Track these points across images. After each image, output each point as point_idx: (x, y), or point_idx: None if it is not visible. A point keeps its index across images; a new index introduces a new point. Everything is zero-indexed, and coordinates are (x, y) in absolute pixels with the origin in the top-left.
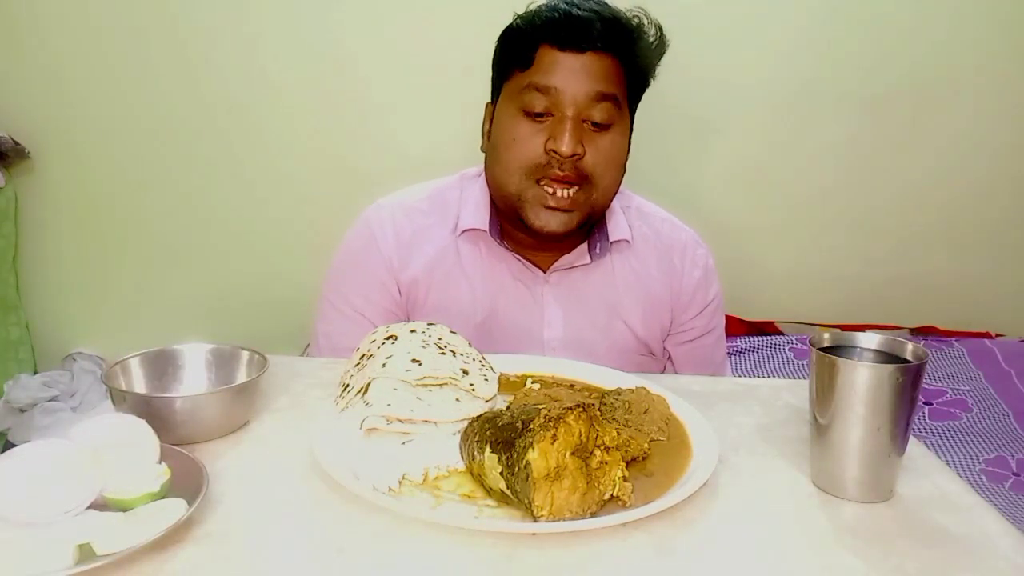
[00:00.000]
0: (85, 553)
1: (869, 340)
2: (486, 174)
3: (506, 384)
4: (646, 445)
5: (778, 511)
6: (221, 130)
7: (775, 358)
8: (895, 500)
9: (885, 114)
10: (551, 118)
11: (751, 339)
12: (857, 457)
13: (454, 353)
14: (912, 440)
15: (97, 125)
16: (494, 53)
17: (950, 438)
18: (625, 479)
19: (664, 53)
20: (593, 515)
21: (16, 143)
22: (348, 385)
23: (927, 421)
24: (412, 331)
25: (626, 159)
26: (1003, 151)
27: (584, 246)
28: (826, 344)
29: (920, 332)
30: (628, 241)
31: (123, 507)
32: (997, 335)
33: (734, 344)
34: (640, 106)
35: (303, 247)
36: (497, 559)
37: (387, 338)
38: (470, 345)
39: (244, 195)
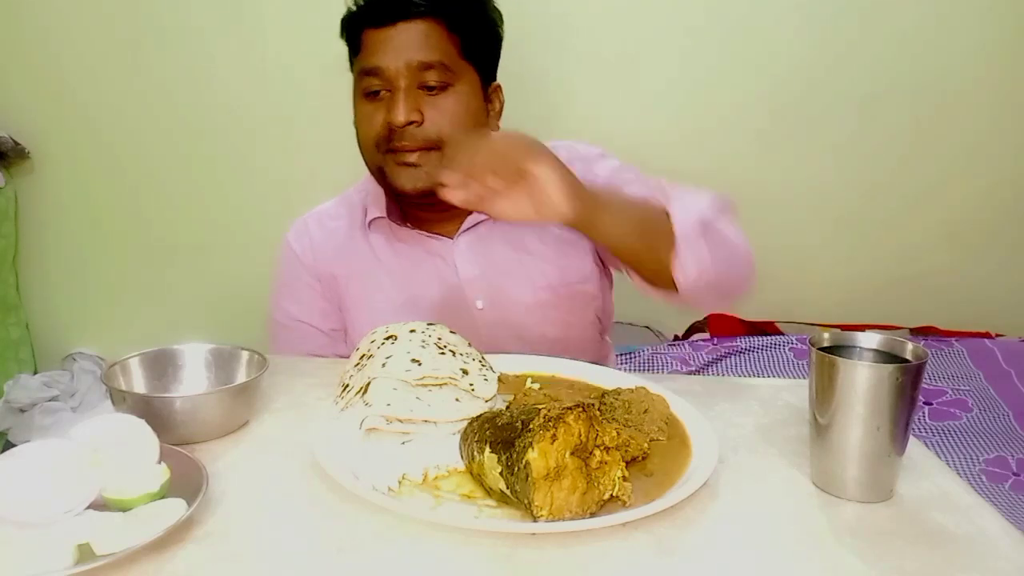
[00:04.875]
0: (85, 553)
1: (869, 340)
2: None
3: (506, 384)
4: (646, 445)
5: (778, 511)
6: (221, 130)
7: (775, 358)
8: (895, 500)
9: (885, 114)
10: (388, 94)
11: (751, 339)
12: (857, 457)
13: (454, 353)
14: (912, 440)
15: (97, 125)
16: None
17: (950, 438)
18: (625, 479)
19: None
20: (593, 515)
21: (16, 143)
22: (348, 385)
23: (927, 421)
24: (412, 331)
25: (486, 112)
26: (1003, 151)
27: None
28: (826, 344)
29: (920, 332)
30: None
31: (123, 507)
32: (997, 335)
33: (734, 344)
34: (640, 106)
35: None
36: (497, 559)
37: (387, 338)
38: (470, 345)
39: (244, 195)
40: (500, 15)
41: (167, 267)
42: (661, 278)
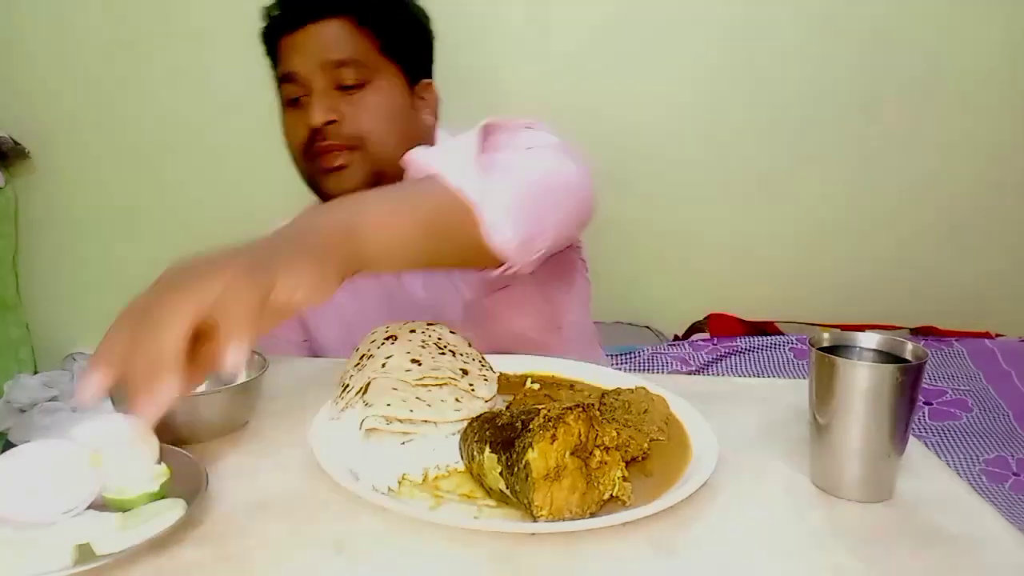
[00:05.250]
0: (85, 553)
1: (869, 340)
2: None
3: (506, 384)
4: (646, 445)
5: (778, 511)
6: (222, 130)
7: (775, 358)
8: (895, 500)
9: (885, 114)
10: (307, 99)
11: (751, 339)
12: (857, 457)
13: (454, 353)
14: (912, 440)
15: (97, 125)
16: None
17: (950, 438)
18: (625, 479)
19: None
20: (593, 515)
21: (16, 143)
22: (348, 385)
23: (927, 421)
24: (412, 331)
25: (412, 110)
26: (1003, 151)
27: None
28: (826, 344)
29: (920, 332)
30: None
31: (123, 507)
32: (997, 335)
33: (734, 344)
34: (639, 106)
35: None
36: (497, 559)
37: (387, 338)
38: (470, 345)
39: (245, 195)
40: (423, 12)
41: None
42: (479, 257)
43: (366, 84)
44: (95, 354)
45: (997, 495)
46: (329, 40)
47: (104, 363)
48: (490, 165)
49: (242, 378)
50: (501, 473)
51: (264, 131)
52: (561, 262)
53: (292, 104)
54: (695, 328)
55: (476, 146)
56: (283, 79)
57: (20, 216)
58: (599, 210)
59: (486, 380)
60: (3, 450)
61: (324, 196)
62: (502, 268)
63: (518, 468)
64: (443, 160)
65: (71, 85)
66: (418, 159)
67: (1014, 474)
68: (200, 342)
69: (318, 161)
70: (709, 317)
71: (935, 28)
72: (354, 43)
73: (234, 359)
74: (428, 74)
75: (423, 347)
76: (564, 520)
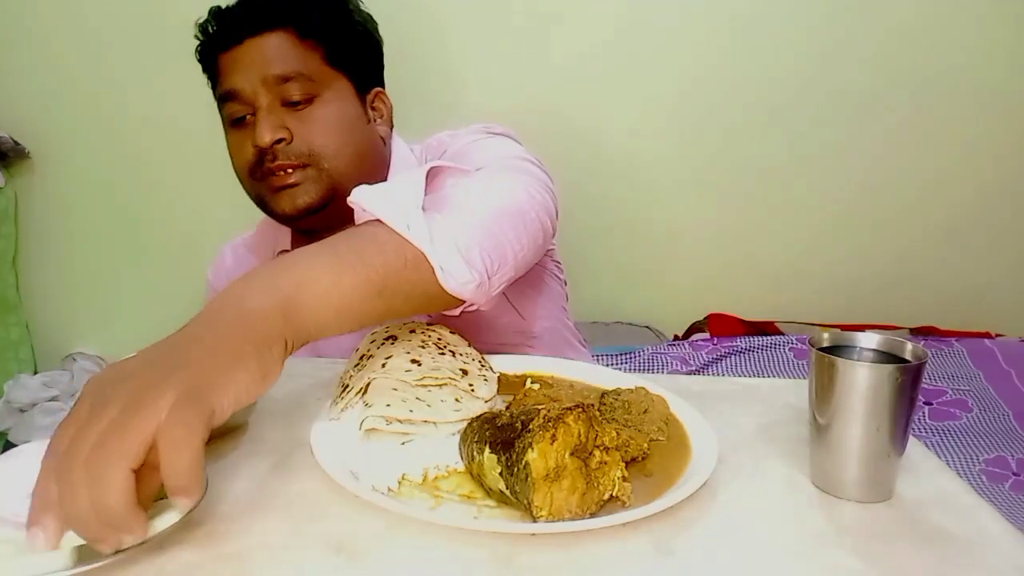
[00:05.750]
0: (85, 553)
1: (869, 340)
2: None
3: (506, 384)
4: (646, 445)
5: (778, 511)
6: (221, 131)
7: (775, 358)
8: (895, 500)
9: (885, 114)
10: (252, 117)
11: (751, 339)
12: (857, 457)
13: (453, 353)
14: (912, 440)
15: (97, 125)
16: None
17: (950, 438)
18: (625, 479)
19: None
20: (593, 515)
21: (16, 143)
22: (348, 385)
23: (927, 421)
24: (412, 331)
25: (365, 120)
26: (1003, 151)
27: None
28: (826, 344)
29: (920, 332)
30: None
31: None
32: (997, 335)
33: (734, 344)
34: (638, 106)
35: None
36: (496, 559)
37: (387, 338)
38: (469, 345)
39: (243, 196)
40: (370, 18)
41: (167, 267)
42: (437, 301)
43: (314, 98)
44: (34, 506)
45: (997, 495)
46: (271, 54)
47: (50, 515)
48: (439, 202)
49: None
50: (501, 473)
51: None
52: (533, 276)
53: (236, 124)
54: (695, 328)
55: (422, 184)
56: (224, 98)
57: (20, 216)
58: (600, 210)
59: (486, 380)
60: (3, 450)
61: (275, 215)
62: (463, 307)
63: (518, 468)
64: (386, 203)
65: (71, 85)
66: (360, 201)
67: (1014, 474)
68: (141, 473)
69: (268, 180)
70: (709, 317)
71: (936, 28)
72: (298, 56)
73: (183, 506)
74: (379, 82)
75: (423, 347)
76: (564, 520)
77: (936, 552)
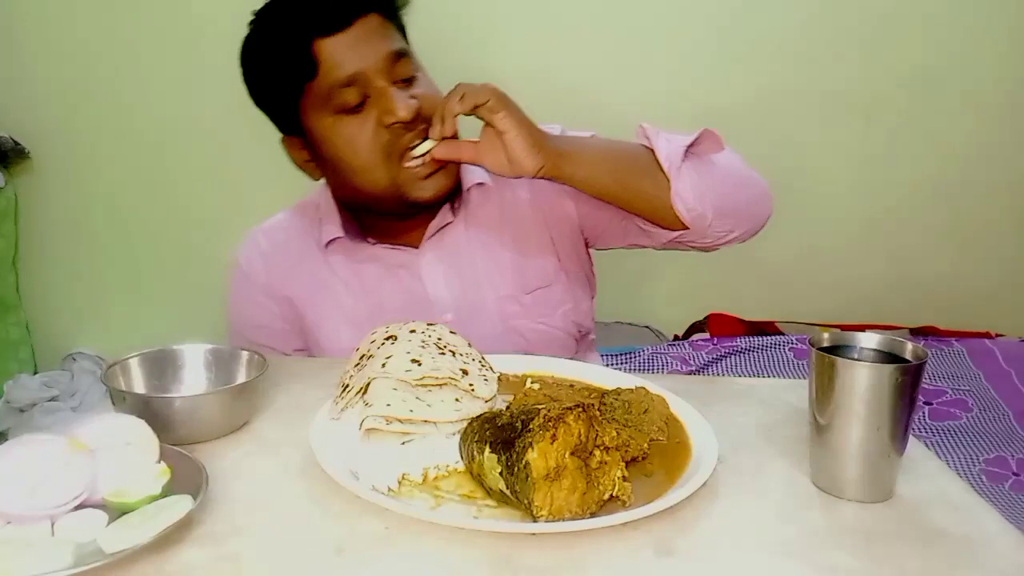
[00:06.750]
0: (85, 553)
1: (869, 340)
2: (338, 194)
3: (506, 384)
4: (646, 445)
5: (778, 511)
6: (221, 130)
7: (775, 358)
8: (895, 500)
9: (887, 115)
10: (369, 100)
11: (751, 339)
12: (857, 457)
13: (454, 353)
14: (912, 440)
15: (97, 125)
16: (254, 93)
17: (950, 438)
18: (625, 479)
19: None
20: (593, 515)
21: (16, 143)
22: (348, 385)
23: (927, 421)
24: (412, 331)
25: None
26: (1003, 151)
27: (447, 206)
28: (826, 344)
29: (920, 332)
30: (483, 183)
31: (123, 507)
32: (997, 335)
33: (734, 344)
34: (637, 105)
35: None
36: (497, 559)
37: (387, 338)
38: (470, 345)
39: (245, 196)
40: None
41: (167, 267)
42: (664, 216)
43: (414, 77)
44: None
45: (997, 495)
46: (381, 34)
47: None
48: (700, 155)
49: (242, 378)
50: (501, 473)
51: (263, 131)
52: (587, 270)
53: (353, 112)
54: (695, 328)
55: (690, 138)
56: (339, 85)
57: (20, 216)
58: None
59: (486, 380)
60: None
61: (410, 203)
62: (677, 235)
63: (518, 468)
64: (661, 139)
65: (71, 85)
66: (646, 129)
67: (1014, 474)
68: None
69: (406, 165)
70: (709, 317)
71: (938, 29)
72: (398, 35)
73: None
74: None
75: (423, 347)
76: (564, 520)
77: (936, 552)
